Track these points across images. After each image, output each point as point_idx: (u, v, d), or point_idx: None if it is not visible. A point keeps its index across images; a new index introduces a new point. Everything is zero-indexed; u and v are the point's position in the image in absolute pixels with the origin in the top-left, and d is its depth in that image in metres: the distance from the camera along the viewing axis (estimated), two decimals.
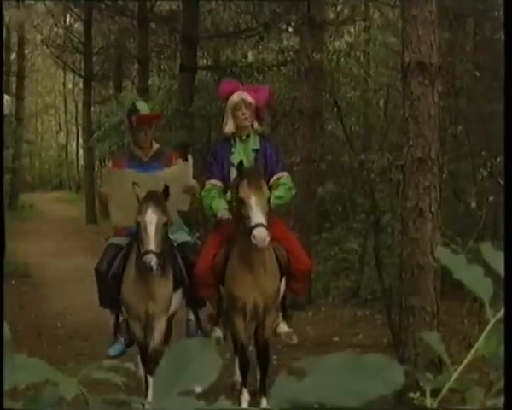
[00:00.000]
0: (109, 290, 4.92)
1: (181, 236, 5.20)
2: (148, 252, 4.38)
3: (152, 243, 4.40)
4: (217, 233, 5.08)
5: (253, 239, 4.39)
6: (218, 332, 5.13)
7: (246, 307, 4.81)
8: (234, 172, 5.04)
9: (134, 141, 5.25)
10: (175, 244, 5.07)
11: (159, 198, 4.55)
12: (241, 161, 4.75)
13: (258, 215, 4.43)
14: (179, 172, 5.08)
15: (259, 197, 4.50)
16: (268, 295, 4.84)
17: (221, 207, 4.96)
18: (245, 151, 5.13)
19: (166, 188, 4.56)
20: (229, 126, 5.13)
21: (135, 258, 4.69)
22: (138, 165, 5.12)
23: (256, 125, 5.14)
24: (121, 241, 5.04)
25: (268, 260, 4.82)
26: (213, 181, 5.08)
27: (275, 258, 4.89)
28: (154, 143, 5.29)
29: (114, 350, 5.05)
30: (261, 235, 4.39)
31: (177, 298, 5.01)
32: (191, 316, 5.36)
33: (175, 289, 4.89)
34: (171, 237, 4.94)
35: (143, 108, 5.25)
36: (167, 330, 5.05)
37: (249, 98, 5.05)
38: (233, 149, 5.12)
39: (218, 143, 5.47)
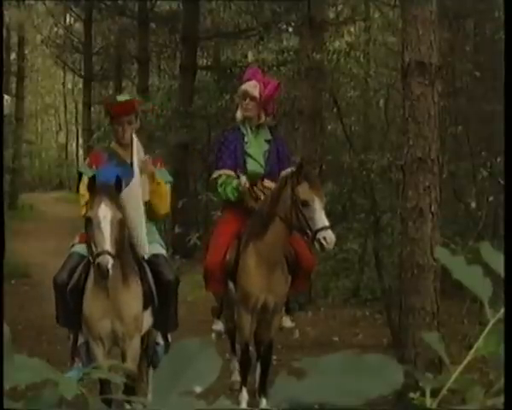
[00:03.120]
0: (68, 306, 4.32)
1: (153, 247, 4.59)
2: (103, 252, 3.82)
3: (107, 242, 3.83)
4: (225, 228, 5.07)
5: (323, 241, 4.42)
6: (220, 325, 5.12)
7: (256, 306, 4.82)
8: (251, 163, 5.07)
9: (115, 138, 4.70)
10: (145, 257, 4.49)
11: (112, 192, 4.02)
12: (300, 163, 4.71)
13: (323, 218, 4.48)
14: (139, 149, 4.52)
15: (321, 200, 4.55)
16: (280, 296, 4.86)
17: (238, 181, 4.94)
18: (257, 141, 5.13)
19: (119, 179, 4.06)
20: (237, 114, 5.18)
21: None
22: (119, 164, 4.59)
23: (263, 117, 5.11)
24: (85, 249, 4.37)
25: (284, 260, 4.85)
26: (227, 171, 5.02)
27: (284, 257, 4.91)
28: None
29: (71, 375, 4.15)
30: (331, 237, 4.45)
31: (148, 318, 4.41)
32: (160, 340, 4.65)
33: (144, 307, 4.30)
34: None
35: (123, 99, 4.74)
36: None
37: (254, 91, 5.04)
38: (246, 139, 5.11)
39: (226, 132, 5.38)
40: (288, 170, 4.81)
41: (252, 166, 5.08)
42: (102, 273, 3.85)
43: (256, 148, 5.11)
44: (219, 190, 5.03)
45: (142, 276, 4.37)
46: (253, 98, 5.04)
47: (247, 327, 4.90)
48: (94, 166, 4.58)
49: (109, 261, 3.81)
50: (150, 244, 4.61)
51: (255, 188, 4.99)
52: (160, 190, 4.57)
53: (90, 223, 3.97)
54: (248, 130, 5.13)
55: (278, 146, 5.18)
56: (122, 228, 4.04)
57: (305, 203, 4.51)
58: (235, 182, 4.95)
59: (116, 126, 4.63)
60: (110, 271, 3.82)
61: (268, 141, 5.16)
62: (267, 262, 4.76)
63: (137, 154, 4.48)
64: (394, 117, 10.33)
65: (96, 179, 4.08)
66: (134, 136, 4.55)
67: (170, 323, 4.60)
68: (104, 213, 3.92)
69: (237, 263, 4.87)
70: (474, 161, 8.72)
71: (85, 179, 4.47)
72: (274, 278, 4.78)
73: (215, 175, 5.10)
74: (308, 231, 4.52)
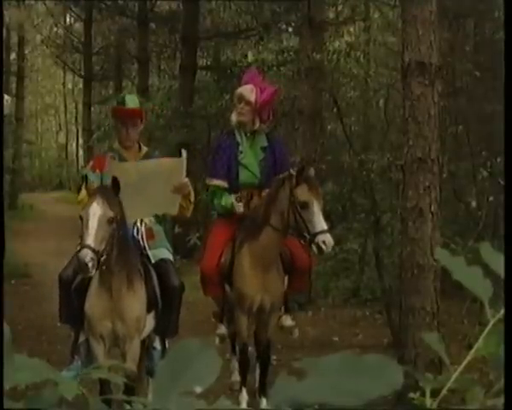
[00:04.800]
0: (71, 304, 4.35)
1: (161, 252, 4.62)
2: (84, 246, 3.82)
3: (90, 238, 3.84)
4: (219, 230, 5.06)
5: (322, 244, 4.41)
6: (223, 330, 5.11)
7: (253, 307, 4.81)
8: (244, 174, 5.00)
9: (118, 139, 4.72)
10: (152, 260, 4.53)
11: (108, 192, 4.03)
12: (302, 166, 4.68)
13: (322, 221, 4.46)
14: (170, 166, 4.51)
15: (320, 203, 4.53)
16: (276, 296, 4.85)
17: (233, 203, 4.91)
18: (253, 149, 5.05)
19: (116, 181, 4.04)
20: (232, 117, 5.09)
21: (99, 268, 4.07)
22: None
23: (258, 123, 5.02)
24: None
25: (279, 260, 4.84)
26: (218, 182, 4.99)
27: (280, 258, 4.90)
28: (142, 146, 4.77)
29: (69, 373, 4.26)
30: (330, 241, 4.44)
31: (151, 321, 4.44)
32: (157, 344, 4.67)
33: (148, 310, 4.33)
34: (149, 252, 4.54)
35: (132, 102, 4.68)
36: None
37: (250, 95, 4.95)
38: (241, 148, 5.02)
39: (220, 138, 5.32)
40: (286, 173, 4.80)
41: (245, 177, 5.01)
42: (81, 267, 3.85)
43: (251, 157, 5.03)
44: (208, 197, 5.04)
45: (148, 279, 4.37)
46: (248, 103, 4.95)
47: (243, 328, 4.89)
48: (98, 171, 4.52)
49: (88, 255, 3.79)
50: (158, 249, 4.62)
51: (253, 201, 4.96)
52: (190, 207, 4.65)
53: (81, 221, 4.00)
54: (243, 137, 5.04)
55: (275, 152, 5.08)
56: (117, 227, 4.03)
57: (305, 205, 4.48)
58: (224, 199, 4.93)
59: (120, 127, 4.63)
60: (89, 265, 3.80)
61: (264, 148, 5.07)
62: (262, 263, 4.74)
63: (180, 174, 4.44)
64: (394, 117, 10.33)
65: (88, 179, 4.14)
66: (184, 153, 4.46)
67: (170, 329, 4.58)
68: (94, 211, 3.93)
69: (232, 265, 4.86)
70: (474, 161, 8.73)
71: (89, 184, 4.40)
72: (269, 278, 4.77)
73: (207, 183, 5.12)
74: (305, 234, 4.50)
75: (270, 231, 4.67)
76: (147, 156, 4.70)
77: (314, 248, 4.48)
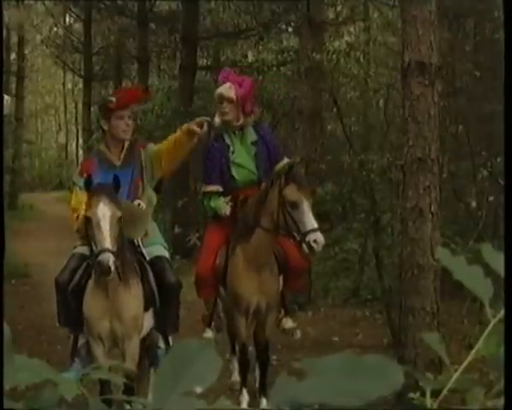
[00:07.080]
0: (69, 307, 4.34)
1: (156, 249, 4.58)
2: (104, 250, 3.84)
3: (108, 240, 3.85)
4: (214, 233, 5.05)
5: (313, 243, 4.39)
6: (210, 334, 5.09)
7: (249, 308, 4.81)
8: (241, 172, 4.98)
9: (114, 134, 4.51)
10: (147, 258, 4.49)
11: (111, 190, 4.01)
12: (290, 165, 4.68)
13: (312, 220, 4.44)
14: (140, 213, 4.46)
15: (309, 202, 4.52)
16: (271, 296, 4.85)
17: (221, 204, 4.92)
18: (244, 146, 5.01)
19: (117, 179, 4.03)
20: (215, 119, 5.00)
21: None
22: (109, 170, 4.42)
23: (242, 119, 4.95)
24: (87, 250, 4.29)
25: (273, 260, 4.83)
26: (212, 187, 4.98)
27: (274, 257, 4.89)
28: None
29: (69, 374, 4.15)
30: (321, 239, 4.42)
31: (149, 319, 4.43)
32: (161, 344, 4.63)
33: (146, 308, 4.33)
34: (144, 250, 4.51)
35: None
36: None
37: (229, 93, 4.90)
38: (232, 148, 4.99)
39: (209, 144, 5.23)
40: (281, 164, 4.87)
41: (243, 176, 4.99)
42: (104, 271, 3.86)
43: (244, 155, 5.00)
44: (201, 201, 5.06)
45: (144, 277, 4.37)
46: (230, 101, 4.89)
47: (242, 329, 4.89)
48: (85, 175, 4.37)
49: (110, 258, 3.83)
50: (153, 246, 4.59)
51: (248, 202, 4.95)
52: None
53: (89, 222, 3.98)
54: (232, 137, 5.00)
55: (267, 143, 5.05)
56: (121, 226, 4.05)
57: (294, 205, 4.47)
58: (214, 201, 4.93)
59: (117, 122, 4.48)
60: (112, 268, 3.83)
61: (255, 142, 5.02)
62: (255, 264, 4.73)
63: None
64: (394, 117, 10.33)
65: (92, 179, 4.09)
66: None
67: (170, 325, 4.57)
68: (103, 212, 3.92)
69: (227, 267, 4.86)
70: (474, 161, 8.72)
71: (78, 191, 4.36)
72: (263, 278, 4.77)
73: (203, 190, 5.11)
74: (295, 234, 4.49)
75: (261, 232, 4.66)
76: (129, 151, 4.60)
77: (305, 247, 4.45)
